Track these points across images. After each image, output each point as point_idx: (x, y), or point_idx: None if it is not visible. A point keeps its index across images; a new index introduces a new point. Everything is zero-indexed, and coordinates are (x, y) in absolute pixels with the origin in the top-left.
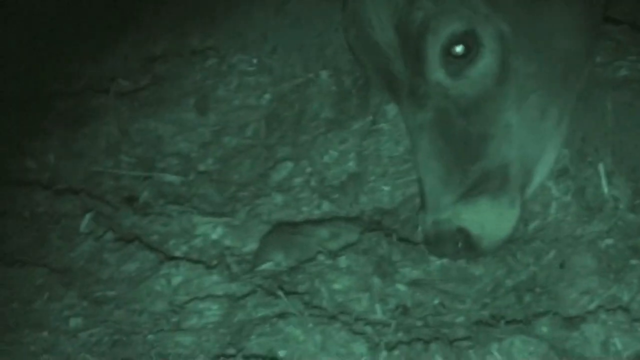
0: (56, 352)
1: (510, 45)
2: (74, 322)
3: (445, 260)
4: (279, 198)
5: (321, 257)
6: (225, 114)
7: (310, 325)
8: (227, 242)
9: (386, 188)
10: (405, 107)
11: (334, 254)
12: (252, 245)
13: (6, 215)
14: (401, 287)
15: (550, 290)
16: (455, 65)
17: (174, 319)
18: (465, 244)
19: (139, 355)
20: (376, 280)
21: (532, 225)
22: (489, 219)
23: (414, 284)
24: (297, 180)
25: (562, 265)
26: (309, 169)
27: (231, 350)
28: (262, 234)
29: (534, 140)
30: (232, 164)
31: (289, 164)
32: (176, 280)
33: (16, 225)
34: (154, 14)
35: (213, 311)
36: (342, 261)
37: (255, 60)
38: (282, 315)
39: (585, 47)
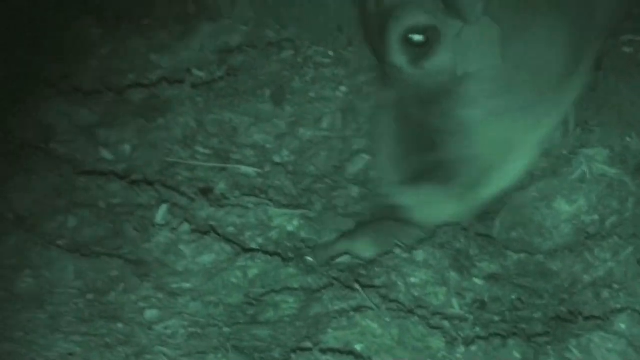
0: (131, 344)
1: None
2: (149, 314)
3: (522, 255)
4: (355, 190)
5: (398, 251)
6: (301, 106)
7: (388, 319)
8: (304, 234)
9: None
10: (377, 78)
11: (410, 248)
12: (328, 238)
13: (81, 206)
14: (478, 281)
15: (628, 286)
16: (413, 53)
17: (250, 312)
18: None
19: (215, 348)
20: (453, 275)
21: (610, 221)
22: (426, 205)
23: (491, 278)
24: (374, 173)
25: (639, 262)
26: None
27: (307, 344)
28: (338, 227)
29: (496, 144)
30: (308, 156)
31: (365, 156)
32: (252, 272)
33: (91, 216)
34: (230, 5)
35: (289, 304)
36: (419, 255)
37: (331, 52)
38: (359, 309)
39: (564, 61)
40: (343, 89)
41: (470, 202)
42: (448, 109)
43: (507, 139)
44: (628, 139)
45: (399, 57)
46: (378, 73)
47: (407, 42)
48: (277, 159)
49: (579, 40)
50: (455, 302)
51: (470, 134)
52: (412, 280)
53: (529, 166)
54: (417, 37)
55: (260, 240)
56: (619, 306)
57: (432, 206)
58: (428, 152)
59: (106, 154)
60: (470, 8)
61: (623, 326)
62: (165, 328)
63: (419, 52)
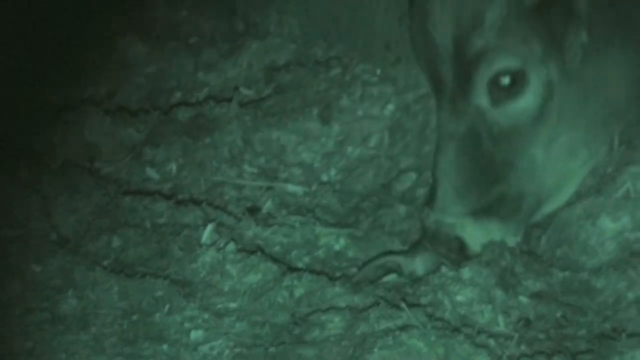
0: None
1: (555, 92)
2: (195, 334)
3: (567, 273)
4: (402, 209)
5: (444, 269)
6: (349, 124)
7: (433, 337)
8: (350, 253)
9: None
10: (443, 109)
11: (457, 266)
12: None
13: (127, 225)
14: (524, 299)
15: None
16: (499, 94)
17: (296, 331)
18: (457, 251)
19: None
20: (499, 293)
21: None
22: (489, 239)
23: (536, 296)
24: (421, 191)
25: None
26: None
27: None
28: (385, 245)
29: (555, 177)
30: (355, 175)
31: (413, 175)
32: (298, 292)
33: (137, 236)
34: (277, 23)
35: (335, 323)
36: (465, 273)
37: (378, 71)
38: (404, 328)
39: (634, 95)
40: (390, 107)
41: (521, 232)
42: (519, 147)
43: (567, 170)
44: None
45: (482, 98)
46: (447, 105)
47: (495, 84)
48: (324, 178)
49: None
50: (500, 320)
51: (536, 169)
52: (458, 298)
53: (578, 188)
54: (506, 80)
55: (306, 259)
56: None
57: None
58: (493, 185)
59: (152, 173)
60: (574, 55)
61: None
62: (211, 349)
63: (504, 94)
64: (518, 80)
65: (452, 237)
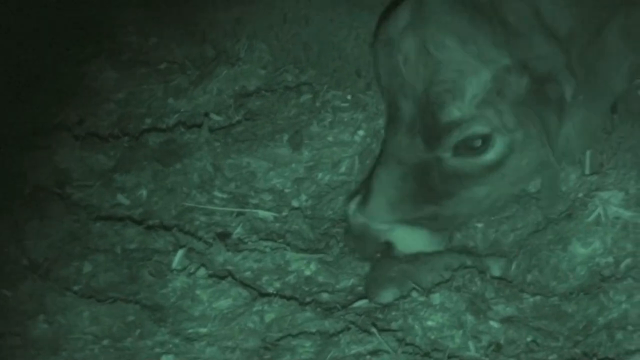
0: None
1: (515, 149)
2: (166, 359)
3: (538, 298)
4: None
5: (415, 294)
6: (319, 150)
7: None
8: (321, 278)
9: (479, 225)
10: (397, 135)
11: (427, 291)
12: (345, 282)
13: (97, 251)
14: (494, 324)
15: None
16: (464, 152)
17: (267, 356)
18: (383, 252)
19: None
20: (469, 317)
21: (624, 263)
22: (416, 244)
23: (507, 321)
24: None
25: None
26: None
27: None
28: (355, 271)
29: (486, 205)
30: (326, 200)
31: None
32: (269, 317)
33: (108, 261)
34: (248, 49)
35: (306, 348)
36: (436, 298)
37: (349, 97)
38: (375, 353)
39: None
40: (361, 132)
41: (445, 241)
42: (465, 184)
43: (498, 200)
44: None
45: (446, 153)
46: (403, 136)
47: (462, 144)
48: (295, 204)
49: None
50: (471, 344)
51: (475, 202)
52: (429, 323)
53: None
54: (477, 143)
55: (277, 284)
56: (632, 347)
57: (420, 247)
58: (427, 205)
59: (122, 199)
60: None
61: None
62: None
63: (469, 152)
64: (485, 142)
65: (380, 241)
